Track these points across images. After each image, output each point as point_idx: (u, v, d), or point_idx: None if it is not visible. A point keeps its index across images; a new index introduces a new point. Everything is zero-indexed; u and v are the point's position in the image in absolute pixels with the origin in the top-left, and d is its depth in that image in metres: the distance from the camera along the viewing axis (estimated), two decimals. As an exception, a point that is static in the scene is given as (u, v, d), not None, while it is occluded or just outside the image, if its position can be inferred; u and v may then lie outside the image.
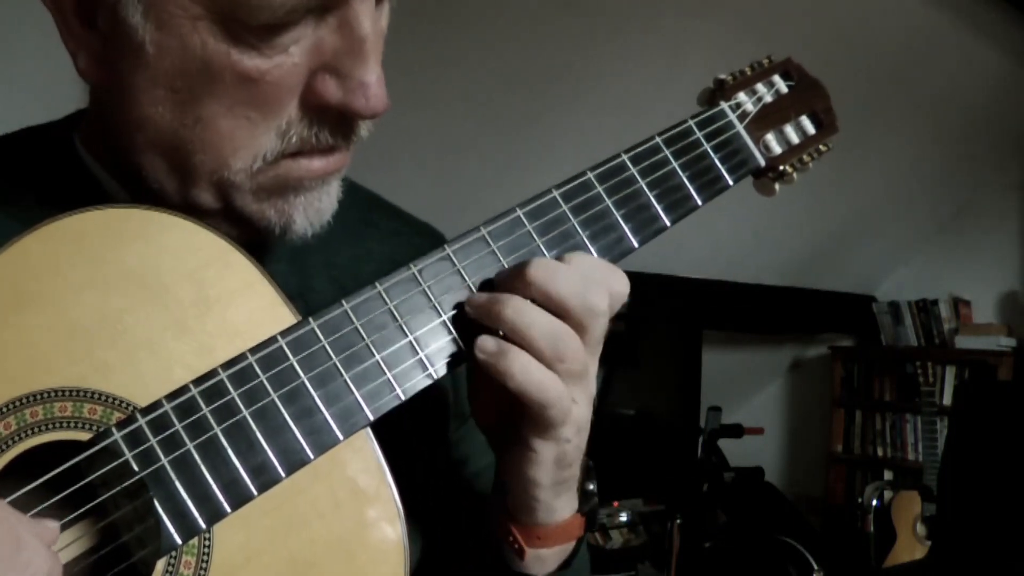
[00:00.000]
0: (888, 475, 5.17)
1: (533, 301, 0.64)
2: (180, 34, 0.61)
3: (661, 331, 4.83)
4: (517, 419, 0.66)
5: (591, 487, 0.73)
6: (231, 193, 0.66)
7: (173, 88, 0.63)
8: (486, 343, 0.63)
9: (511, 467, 0.68)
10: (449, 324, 0.66)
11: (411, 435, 0.73)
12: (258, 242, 0.72)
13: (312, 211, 0.69)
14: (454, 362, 0.65)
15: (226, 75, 0.61)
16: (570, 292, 0.63)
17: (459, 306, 0.66)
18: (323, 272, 0.78)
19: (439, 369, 0.65)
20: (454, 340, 0.66)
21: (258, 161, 0.65)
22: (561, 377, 0.64)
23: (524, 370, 0.62)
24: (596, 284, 0.64)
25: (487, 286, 0.67)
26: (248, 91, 0.62)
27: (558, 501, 0.69)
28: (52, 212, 0.61)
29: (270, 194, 0.67)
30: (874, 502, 4.10)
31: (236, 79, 0.62)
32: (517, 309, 0.63)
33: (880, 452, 5.26)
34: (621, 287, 0.66)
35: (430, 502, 0.80)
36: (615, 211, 0.71)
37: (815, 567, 3.46)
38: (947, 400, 4.89)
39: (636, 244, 0.72)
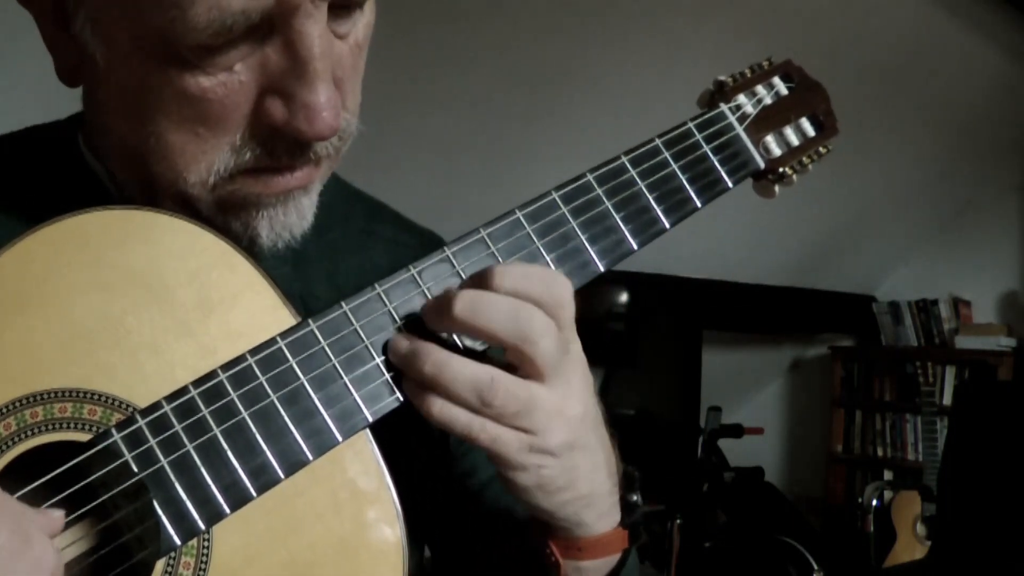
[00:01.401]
0: (888, 475, 5.17)
1: (463, 335, 0.63)
2: (122, 52, 0.61)
3: (661, 331, 4.83)
4: None
5: (634, 498, 0.71)
6: (194, 204, 0.66)
7: (125, 101, 0.63)
8: (409, 382, 0.62)
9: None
10: None
11: (411, 437, 0.73)
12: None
13: (278, 225, 0.68)
14: None
15: (167, 93, 0.61)
16: (499, 324, 0.60)
17: None
18: (326, 280, 0.78)
19: None
20: None
21: (213, 175, 0.64)
22: (495, 420, 0.62)
23: (442, 410, 0.61)
24: (528, 308, 0.61)
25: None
26: (193, 108, 0.61)
27: (585, 516, 0.67)
28: (55, 212, 0.61)
29: (233, 208, 0.67)
30: (874, 502, 4.10)
31: (178, 96, 0.61)
32: (436, 364, 0.61)
33: (880, 452, 5.26)
34: (560, 293, 0.63)
35: (429, 505, 0.80)
36: (615, 213, 0.71)
37: (815, 567, 3.46)
38: (947, 400, 4.88)
39: (636, 246, 0.72)
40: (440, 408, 0.61)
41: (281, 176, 0.66)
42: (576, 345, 0.65)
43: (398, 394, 0.63)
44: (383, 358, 0.63)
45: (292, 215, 0.68)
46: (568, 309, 0.63)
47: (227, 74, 0.61)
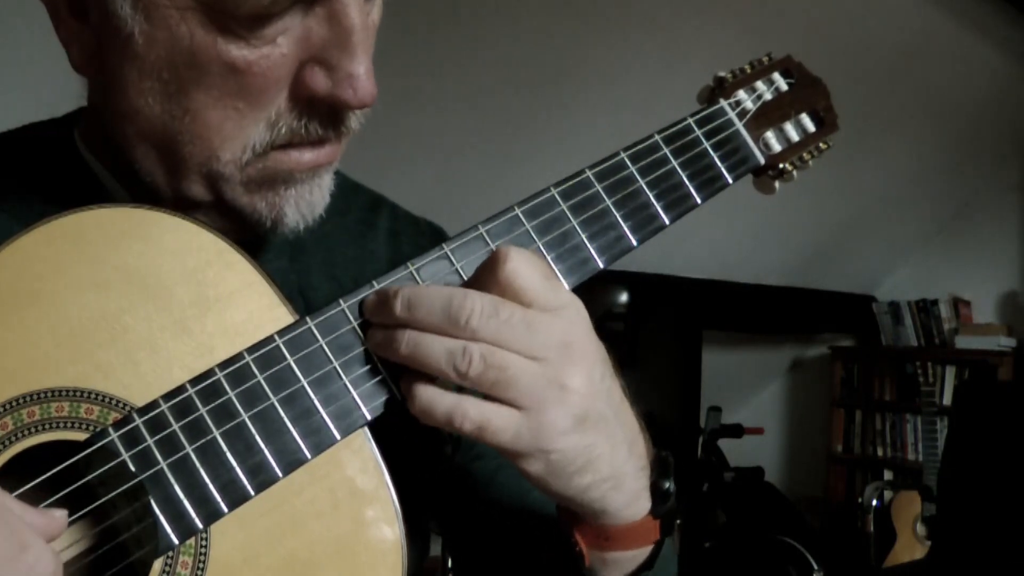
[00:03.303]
0: (888, 475, 5.17)
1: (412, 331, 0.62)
2: (168, 25, 0.61)
3: (661, 331, 4.83)
4: None
5: (667, 486, 0.67)
6: (221, 185, 0.66)
7: (162, 79, 0.63)
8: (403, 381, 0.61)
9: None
10: None
11: (410, 435, 0.73)
12: (257, 238, 0.72)
13: (303, 204, 0.68)
14: None
15: (213, 66, 0.61)
16: (436, 316, 0.60)
17: None
18: (324, 272, 0.78)
19: None
20: None
21: (247, 153, 0.64)
22: (483, 390, 0.60)
23: (421, 404, 0.60)
24: (459, 294, 0.60)
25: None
26: (236, 82, 0.62)
27: (610, 501, 0.64)
28: (52, 210, 0.61)
29: (260, 186, 0.67)
30: (874, 502, 4.10)
31: (223, 69, 0.61)
32: (410, 343, 0.61)
33: (880, 452, 5.26)
34: (504, 268, 0.61)
35: (431, 502, 0.80)
36: (614, 210, 0.71)
37: (815, 567, 3.46)
38: (947, 400, 4.89)
39: (635, 243, 0.71)
40: (420, 402, 0.60)
41: (311, 150, 0.67)
42: (568, 314, 0.62)
43: (396, 392, 0.63)
44: (380, 355, 0.63)
45: (316, 193, 0.69)
46: (519, 276, 0.61)
47: (271, 47, 0.62)
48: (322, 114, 0.65)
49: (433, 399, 0.60)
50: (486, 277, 0.62)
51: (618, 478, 0.64)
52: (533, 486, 0.63)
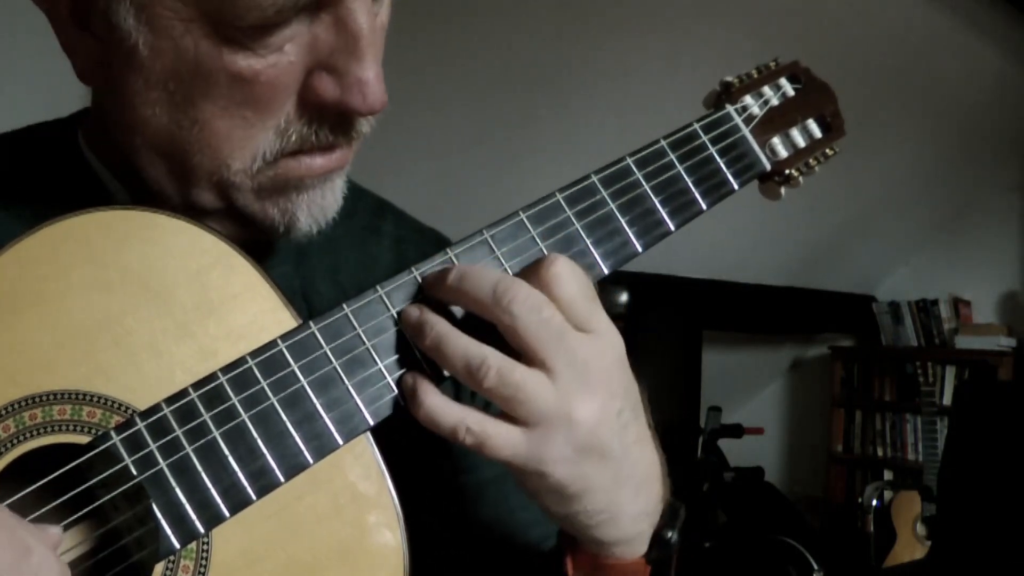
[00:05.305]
0: (888, 475, 5.17)
1: (458, 305, 0.64)
2: (172, 37, 0.60)
3: (661, 331, 4.82)
4: None
5: (669, 535, 0.67)
6: (232, 193, 0.66)
7: (168, 90, 0.62)
8: (404, 383, 0.62)
9: None
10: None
11: (412, 440, 0.73)
12: (263, 242, 0.71)
13: (316, 208, 0.68)
14: None
15: (220, 76, 0.61)
16: (482, 292, 0.61)
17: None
18: (328, 277, 0.78)
19: (440, 374, 0.64)
20: None
21: (257, 161, 0.64)
22: (494, 402, 0.60)
23: (427, 413, 0.61)
24: (508, 279, 0.61)
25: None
26: (243, 91, 0.61)
27: (602, 534, 0.64)
28: (55, 212, 0.60)
29: (272, 193, 0.67)
30: (874, 502, 4.10)
31: (230, 80, 0.61)
32: (436, 337, 0.61)
33: (880, 452, 5.26)
34: (557, 273, 0.62)
35: (431, 507, 0.80)
36: (619, 215, 0.71)
37: (815, 567, 3.46)
38: (947, 400, 4.89)
39: (640, 249, 0.71)
40: (425, 411, 0.61)
41: (323, 156, 0.66)
42: (599, 341, 0.63)
43: (399, 396, 0.63)
44: (385, 361, 0.63)
45: (329, 197, 0.69)
46: (561, 283, 0.61)
47: (278, 55, 0.61)
48: (331, 120, 0.64)
49: (439, 408, 0.61)
50: (530, 276, 0.62)
51: (613, 514, 0.64)
52: (530, 496, 0.64)
